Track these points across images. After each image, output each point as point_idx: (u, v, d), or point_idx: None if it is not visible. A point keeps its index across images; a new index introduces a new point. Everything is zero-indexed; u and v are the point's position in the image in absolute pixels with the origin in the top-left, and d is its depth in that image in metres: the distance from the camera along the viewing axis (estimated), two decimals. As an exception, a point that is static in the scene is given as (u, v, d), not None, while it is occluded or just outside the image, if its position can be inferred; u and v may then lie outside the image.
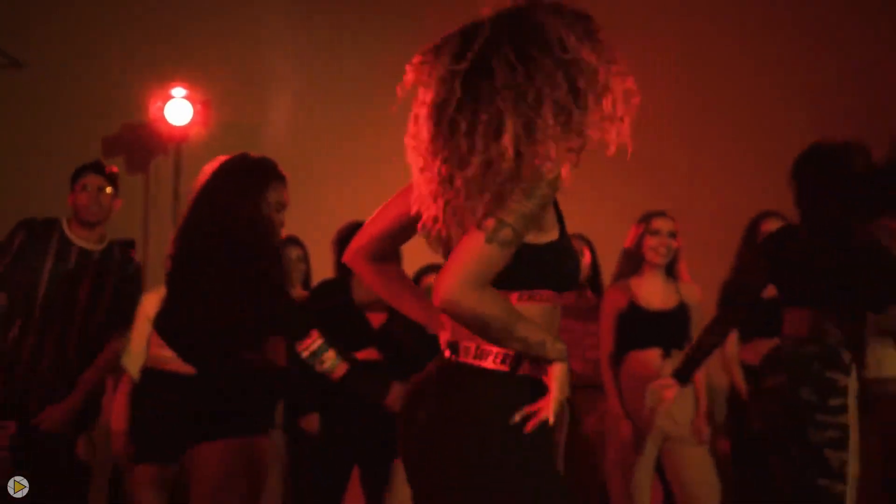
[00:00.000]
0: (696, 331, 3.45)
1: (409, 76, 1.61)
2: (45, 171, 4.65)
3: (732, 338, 3.64)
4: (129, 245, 4.06)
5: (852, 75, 6.38)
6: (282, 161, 2.71)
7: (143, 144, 5.70)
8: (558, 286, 1.60)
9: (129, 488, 3.93)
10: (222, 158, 2.68)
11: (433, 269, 3.52)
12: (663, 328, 3.58)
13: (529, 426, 1.54)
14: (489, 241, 1.47)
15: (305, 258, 4.26)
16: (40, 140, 5.32)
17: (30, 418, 3.26)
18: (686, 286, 3.68)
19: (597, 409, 3.78)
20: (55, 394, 3.30)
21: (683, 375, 2.93)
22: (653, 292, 3.64)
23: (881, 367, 3.19)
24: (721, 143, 6.45)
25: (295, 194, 2.70)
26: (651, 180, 5.83)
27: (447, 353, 1.62)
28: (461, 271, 1.46)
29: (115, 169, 3.55)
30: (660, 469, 3.67)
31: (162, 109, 5.59)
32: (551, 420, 1.54)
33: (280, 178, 2.64)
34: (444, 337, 1.64)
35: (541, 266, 1.57)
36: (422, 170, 1.58)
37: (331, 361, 2.47)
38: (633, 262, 3.64)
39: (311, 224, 4.41)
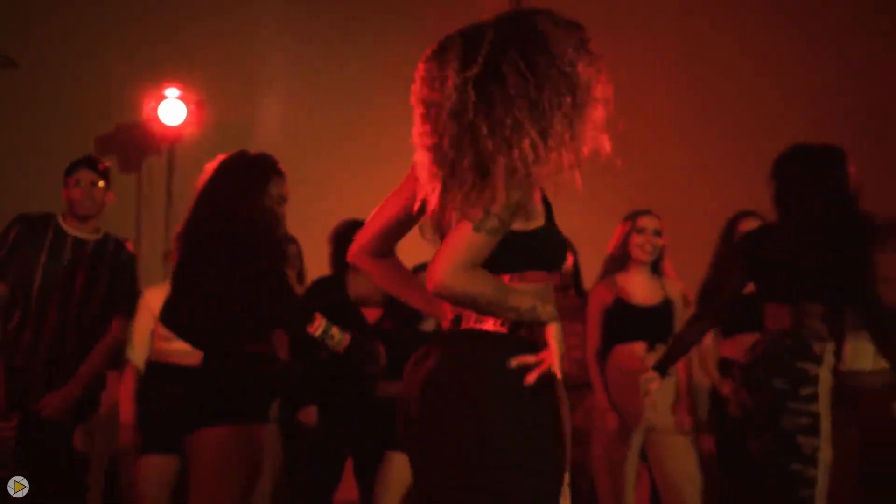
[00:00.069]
0: (679, 325, 3.65)
1: (416, 79, 1.75)
2: (40, 170, 4.76)
3: (709, 334, 3.81)
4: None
5: (852, 75, 6.43)
6: (275, 161, 2.81)
7: (137, 144, 5.86)
8: (547, 267, 1.79)
9: (126, 481, 4.08)
10: (222, 157, 2.80)
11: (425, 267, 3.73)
12: (648, 323, 3.75)
13: (533, 376, 1.71)
14: (477, 229, 1.65)
15: (300, 255, 4.33)
16: (35, 139, 5.46)
17: (29, 411, 3.39)
18: (670, 282, 3.85)
19: (582, 406, 3.94)
20: (53, 387, 3.44)
21: (662, 368, 3.14)
22: (638, 288, 3.81)
23: (857, 359, 3.31)
24: (720, 142, 6.50)
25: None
26: (650, 179, 5.88)
27: (449, 325, 1.80)
28: (451, 257, 1.64)
29: (107, 163, 3.70)
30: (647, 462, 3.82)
31: (156, 109, 5.73)
32: (556, 370, 1.73)
33: (279, 174, 2.77)
34: (445, 315, 1.82)
35: (528, 251, 1.75)
36: (431, 167, 1.72)
37: (338, 335, 2.68)
38: (619, 259, 3.82)
39: (305, 223, 4.47)
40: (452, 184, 1.69)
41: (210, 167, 2.79)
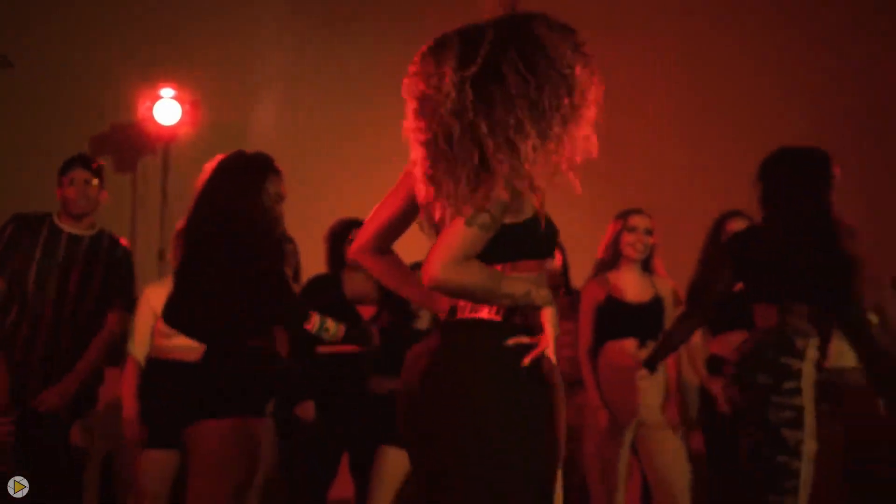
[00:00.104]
0: (669, 322, 3.80)
1: (411, 74, 1.82)
2: (36, 170, 4.82)
3: (698, 332, 3.92)
4: None
5: (852, 75, 6.45)
6: (269, 161, 2.93)
7: (132, 144, 5.93)
8: (538, 256, 1.89)
9: (121, 477, 4.22)
10: (221, 157, 2.89)
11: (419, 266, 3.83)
12: (640, 320, 3.86)
13: (529, 358, 1.81)
14: (469, 224, 1.74)
15: (296, 254, 4.42)
16: (30, 139, 5.57)
17: (26, 407, 3.48)
18: (661, 280, 3.96)
19: (574, 403, 4.01)
20: (50, 383, 3.52)
21: (651, 364, 3.30)
22: (630, 286, 3.91)
23: (842, 357, 3.47)
24: (720, 142, 6.53)
25: (283, 193, 2.93)
26: (650, 179, 5.91)
27: (445, 316, 1.91)
28: (444, 252, 1.72)
29: (101, 162, 3.80)
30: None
31: (151, 109, 5.84)
32: (552, 354, 1.83)
33: (276, 172, 2.87)
34: (442, 308, 1.93)
35: (520, 242, 1.85)
36: (425, 162, 1.80)
37: (333, 328, 2.82)
38: (610, 257, 3.93)
39: (302, 223, 4.52)
40: (446, 181, 1.76)
41: (209, 167, 2.87)
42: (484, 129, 1.71)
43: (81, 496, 3.84)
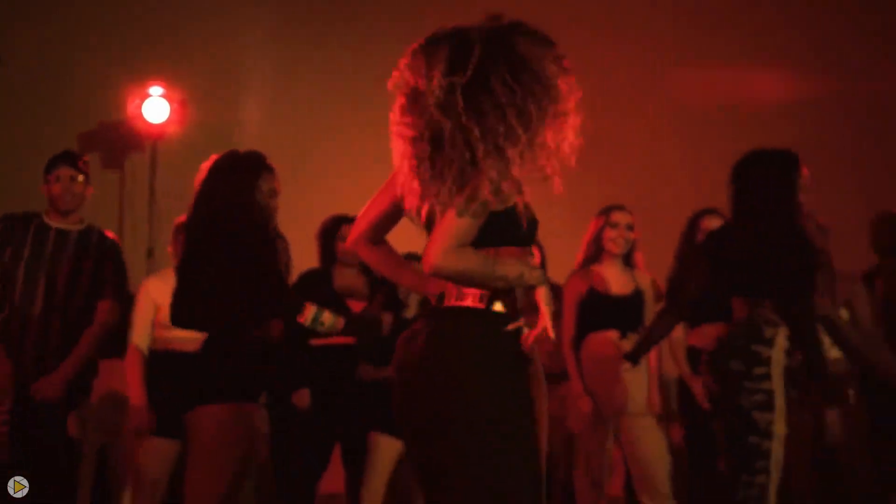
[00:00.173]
0: (649, 314, 4.07)
1: (401, 68, 1.98)
2: (23, 168, 5.00)
3: (678, 327, 4.15)
4: None
5: (853, 75, 6.48)
6: (258, 159, 3.18)
7: (121, 141, 6.00)
8: (520, 243, 2.11)
9: (117, 469, 4.38)
10: (216, 156, 3.05)
11: (412, 257, 4.02)
12: (621, 312, 4.10)
13: (532, 338, 2.04)
14: (461, 215, 1.96)
15: (287, 250, 4.48)
16: (19, 136, 5.78)
17: (21, 399, 3.62)
18: (641, 274, 4.21)
19: (556, 395, 4.24)
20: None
21: (634, 357, 3.52)
22: (611, 279, 4.15)
23: None
24: (720, 142, 6.53)
25: (272, 192, 3.17)
26: (650, 179, 5.92)
27: (434, 302, 2.13)
28: (440, 242, 1.92)
29: (86, 158, 3.95)
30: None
31: (139, 107, 6.00)
32: (550, 331, 2.05)
33: (269, 169, 3.04)
34: (434, 292, 2.15)
35: (502, 230, 2.05)
36: (411, 160, 1.98)
37: (330, 320, 2.96)
38: (593, 251, 4.16)
39: (289, 219, 4.56)
40: (433, 180, 1.95)
41: (205, 166, 3.03)
42: (476, 133, 1.90)
43: (76, 487, 3.98)
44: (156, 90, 5.94)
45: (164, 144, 6.05)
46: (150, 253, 5.95)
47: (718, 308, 3.33)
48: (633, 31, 6.64)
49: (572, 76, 1.98)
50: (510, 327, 2.02)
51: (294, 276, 4.48)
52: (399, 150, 2.01)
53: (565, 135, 1.97)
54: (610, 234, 4.12)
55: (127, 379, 3.89)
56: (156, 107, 5.94)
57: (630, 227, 4.14)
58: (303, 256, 4.51)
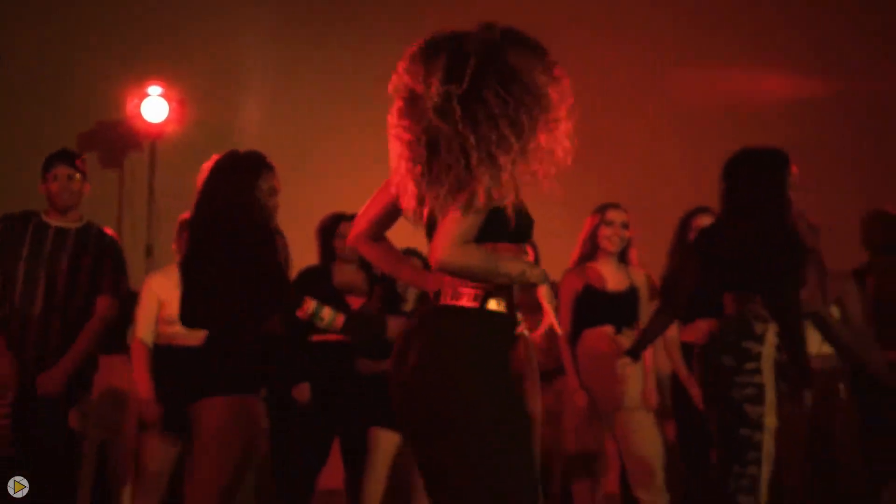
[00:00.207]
0: (643, 309, 4.19)
1: (400, 72, 2.07)
2: (23, 168, 4.98)
3: (673, 325, 4.27)
4: None
5: (853, 75, 6.49)
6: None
7: (119, 140, 6.01)
8: (515, 240, 2.22)
9: (117, 466, 4.43)
10: (217, 157, 3.14)
11: (409, 252, 4.12)
12: (616, 308, 4.20)
13: (539, 332, 2.17)
14: (464, 212, 2.07)
15: (285, 247, 4.55)
16: (18, 135, 5.89)
17: (22, 393, 3.69)
18: (635, 270, 4.32)
19: (552, 390, 4.41)
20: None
21: (634, 353, 3.66)
22: (606, 276, 4.26)
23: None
24: (720, 142, 6.52)
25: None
26: (650, 178, 5.94)
27: (431, 299, 2.24)
28: (446, 238, 2.02)
29: (83, 156, 4.04)
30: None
31: (138, 106, 6.07)
32: (556, 327, 2.20)
33: (269, 167, 3.13)
34: (432, 287, 2.27)
35: (499, 226, 2.15)
36: (407, 163, 2.07)
37: (329, 316, 3.00)
38: (588, 249, 4.27)
39: (286, 218, 4.60)
40: (430, 185, 2.04)
41: (206, 167, 3.12)
42: (472, 141, 2.00)
43: (77, 483, 4.04)
44: (155, 90, 6.02)
45: (162, 144, 6.13)
46: (148, 251, 6.00)
47: (710, 304, 3.42)
48: (633, 31, 6.66)
49: (564, 83, 2.08)
50: (519, 331, 2.11)
51: (294, 273, 4.56)
52: (396, 152, 2.10)
53: (558, 140, 2.07)
54: (605, 231, 4.21)
55: (134, 373, 3.96)
56: (155, 106, 6.01)
57: (625, 226, 4.24)
58: (303, 257, 4.57)
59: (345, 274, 4.25)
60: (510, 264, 2.10)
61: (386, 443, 4.06)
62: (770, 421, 3.16)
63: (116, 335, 4.34)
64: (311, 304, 2.96)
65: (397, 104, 2.07)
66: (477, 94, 2.01)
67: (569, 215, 4.44)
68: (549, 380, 4.38)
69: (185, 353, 3.32)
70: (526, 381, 2.14)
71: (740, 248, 3.29)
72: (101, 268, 3.85)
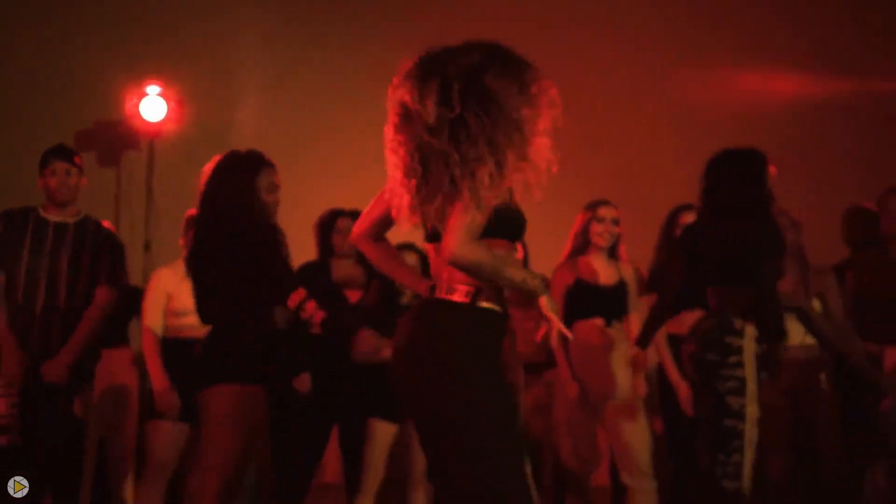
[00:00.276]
0: (633, 303, 4.40)
1: (395, 87, 2.26)
2: (21, 167, 5.08)
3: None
4: None
5: (854, 76, 6.50)
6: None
7: (118, 139, 6.05)
8: (508, 236, 2.39)
9: (117, 465, 4.52)
10: (218, 157, 3.27)
11: (406, 247, 4.28)
12: (606, 302, 4.38)
13: (555, 331, 2.33)
14: (467, 208, 2.24)
15: (285, 244, 4.62)
16: (16, 133, 5.88)
17: (28, 383, 3.83)
18: (625, 265, 4.50)
19: (543, 382, 4.57)
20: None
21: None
22: (597, 271, 4.43)
23: (788, 336, 4.00)
24: (721, 143, 6.53)
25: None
26: (649, 178, 5.97)
27: (426, 294, 2.42)
28: (457, 234, 2.18)
29: (79, 151, 4.18)
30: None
31: (137, 106, 6.16)
32: (567, 333, 2.40)
33: (268, 165, 3.28)
34: (423, 291, 2.45)
35: (493, 223, 2.30)
36: (402, 178, 2.26)
37: (311, 310, 3.14)
38: (580, 244, 4.44)
39: (284, 218, 4.63)
40: (425, 195, 2.23)
41: (208, 168, 3.24)
42: (455, 158, 2.19)
43: (82, 473, 4.15)
44: (153, 89, 6.10)
45: (161, 143, 6.21)
46: (147, 247, 6.04)
47: (696, 298, 3.61)
48: (633, 31, 6.69)
49: (545, 97, 2.28)
50: (509, 325, 2.29)
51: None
52: (392, 162, 2.30)
53: (539, 153, 2.26)
54: (596, 228, 4.39)
55: (147, 364, 4.09)
56: (153, 105, 6.09)
57: (615, 222, 4.41)
58: (301, 256, 4.59)
59: (343, 268, 4.40)
60: (514, 271, 2.27)
61: (383, 434, 4.21)
62: (752, 410, 3.37)
63: (117, 329, 4.49)
64: (300, 294, 3.10)
65: (393, 119, 2.28)
66: (460, 115, 2.21)
67: (572, 213, 4.47)
68: (539, 372, 4.56)
69: (193, 344, 3.44)
70: (512, 372, 2.29)
71: (722, 248, 3.50)
72: (100, 260, 3.98)
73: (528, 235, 3.20)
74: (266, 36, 6.45)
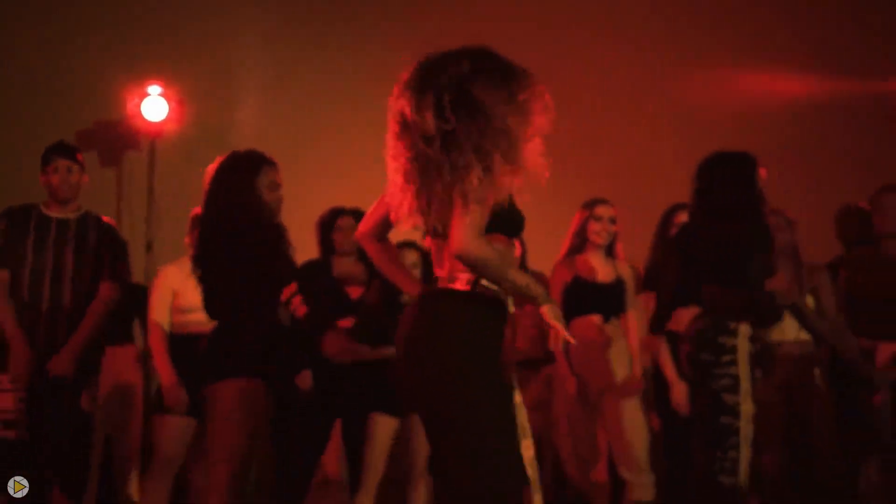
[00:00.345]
0: (630, 300, 4.49)
1: (395, 96, 2.36)
2: (22, 166, 5.11)
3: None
4: None
5: (854, 76, 6.51)
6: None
7: (119, 139, 6.09)
8: (507, 232, 2.47)
9: (122, 464, 4.58)
10: (220, 158, 3.32)
11: (407, 244, 4.37)
12: (604, 299, 4.47)
13: (562, 337, 2.39)
14: (466, 204, 2.32)
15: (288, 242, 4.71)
16: (17, 133, 5.91)
17: (35, 379, 3.90)
18: (622, 264, 4.60)
19: (541, 377, 4.65)
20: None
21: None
22: (594, 268, 4.52)
23: (782, 332, 4.19)
24: (721, 143, 6.54)
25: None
26: (649, 178, 5.98)
27: (426, 287, 2.54)
28: (464, 229, 2.26)
29: (80, 147, 4.26)
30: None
31: (138, 106, 6.20)
32: (571, 339, 2.42)
33: (269, 164, 3.34)
34: (416, 295, 2.55)
35: (494, 218, 2.38)
36: (402, 184, 2.36)
37: (296, 304, 3.25)
38: (577, 242, 4.53)
39: (287, 219, 4.66)
40: (425, 200, 2.33)
41: (211, 169, 3.31)
42: (447, 166, 2.29)
43: (90, 468, 4.19)
44: (154, 89, 6.14)
45: (162, 143, 6.26)
46: (148, 248, 6.05)
47: (691, 296, 3.70)
48: (633, 31, 6.71)
49: (534, 104, 2.36)
50: (510, 311, 2.39)
51: (294, 268, 4.66)
52: (392, 167, 2.41)
53: (529, 157, 2.34)
54: (594, 226, 4.49)
55: (155, 360, 4.16)
56: (154, 105, 6.13)
57: (613, 220, 4.51)
58: (304, 256, 4.61)
59: (344, 266, 4.49)
60: (518, 275, 2.35)
61: (384, 429, 4.27)
62: (747, 407, 3.46)
63: (121, 326, 4.57)
64: (290, 289, 3.21)
65: (393, 128, 2.38)
66: (451, 126, 2.31)
67: (572, 213, 4.49)
68: (537, 368, 4.65)
69: (199, 340, 3.50)
70: (510, 361, 2.37)
71: (715, 249, 3.58)
72: (102, 255, 4.05)
73: (528, 234, 3.25)
74: (266, 36, 6.50)
